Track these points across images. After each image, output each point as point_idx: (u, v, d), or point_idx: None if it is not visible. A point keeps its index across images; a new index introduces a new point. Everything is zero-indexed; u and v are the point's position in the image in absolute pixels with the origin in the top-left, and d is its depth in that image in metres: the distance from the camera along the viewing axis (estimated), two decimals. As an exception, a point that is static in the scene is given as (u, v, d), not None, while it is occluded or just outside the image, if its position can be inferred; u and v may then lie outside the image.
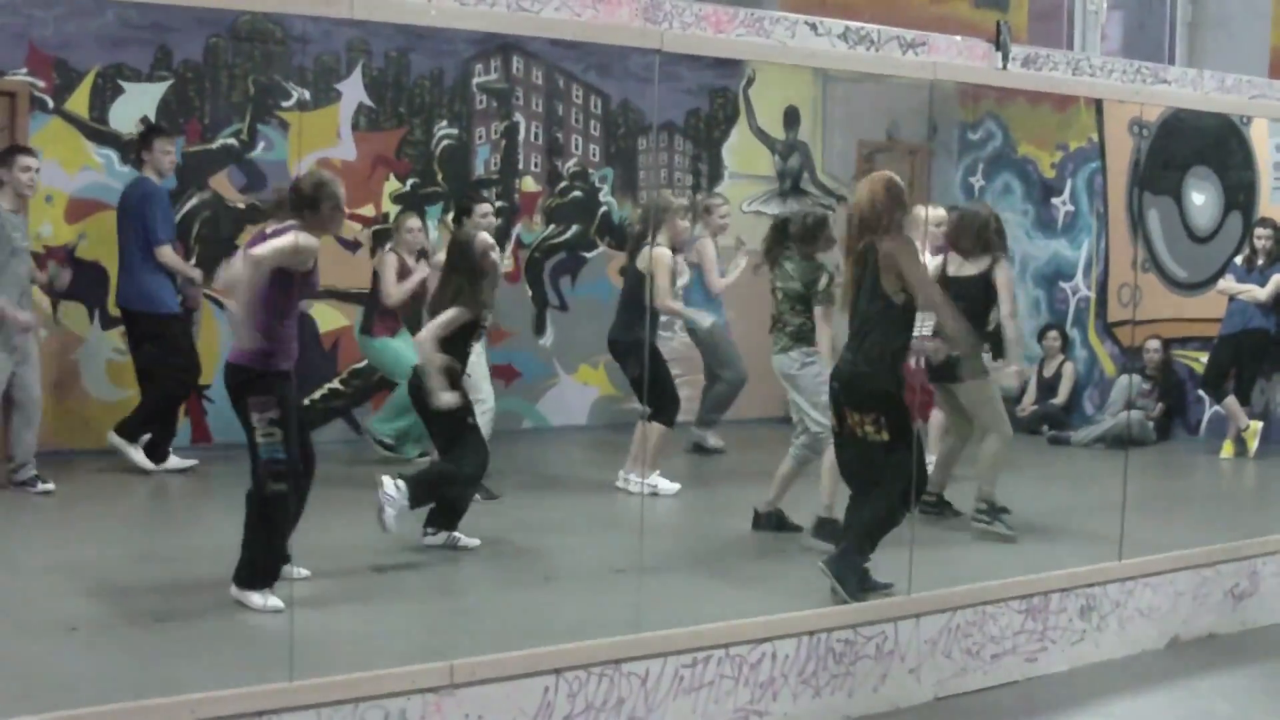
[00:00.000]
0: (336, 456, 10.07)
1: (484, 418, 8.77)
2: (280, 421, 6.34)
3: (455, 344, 7.64)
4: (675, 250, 9.47)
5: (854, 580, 6.60)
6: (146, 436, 9.29)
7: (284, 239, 6.35)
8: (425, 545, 7.63)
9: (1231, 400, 11.77)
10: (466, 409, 7.70)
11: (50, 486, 8.61)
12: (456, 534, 7.68)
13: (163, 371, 9.29)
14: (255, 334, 6.36)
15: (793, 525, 8.24)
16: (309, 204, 6.45)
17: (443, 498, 7.69)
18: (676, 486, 9.27)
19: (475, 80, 11.76)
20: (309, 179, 6.58)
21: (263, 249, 6.34)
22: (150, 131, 9.57)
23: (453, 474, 7.67)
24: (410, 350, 9.33)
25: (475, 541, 7.70)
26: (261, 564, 6.42)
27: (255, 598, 6.37)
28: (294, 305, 6.51)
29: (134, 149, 9.63)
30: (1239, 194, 12.63)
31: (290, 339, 6.48)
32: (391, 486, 7.33)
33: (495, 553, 7.69)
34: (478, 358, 8.84)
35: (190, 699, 4.75)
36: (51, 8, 9.87)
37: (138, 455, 9.20)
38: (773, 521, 8.29)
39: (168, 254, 9.28)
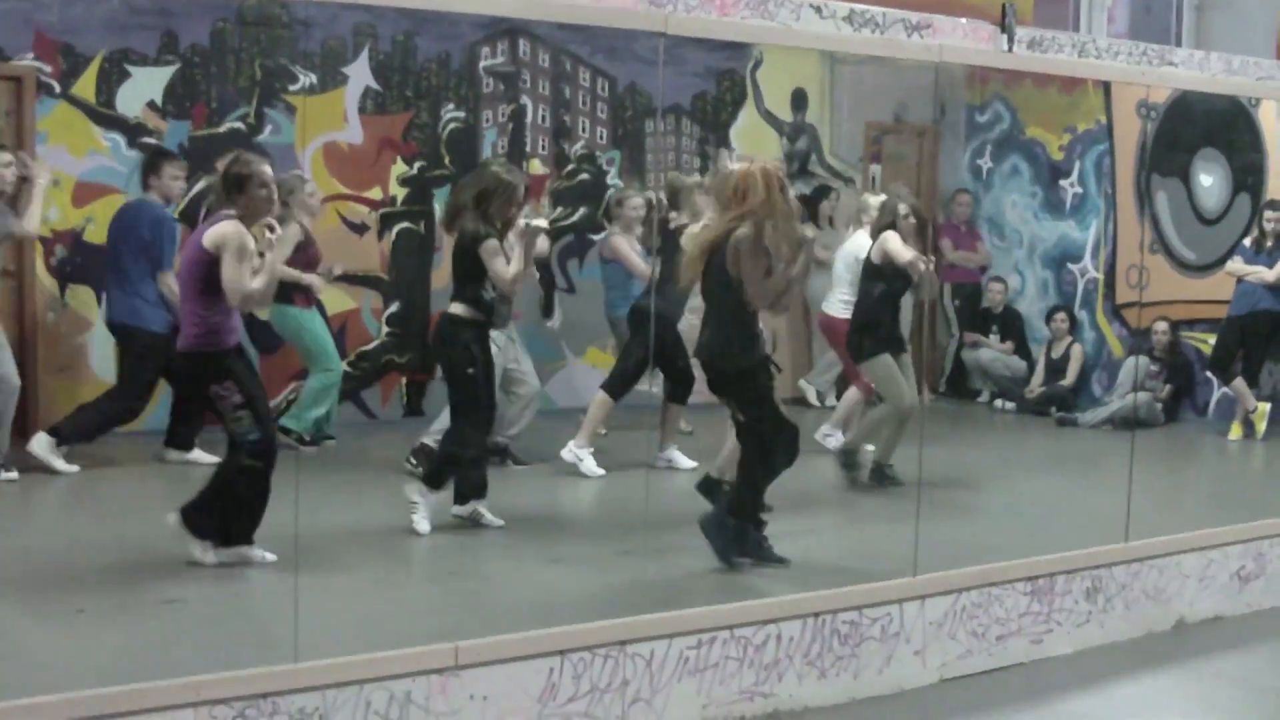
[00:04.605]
0: (345, 439, 10.12)
1: (526, 398, 9.37)
2: (245, 404, 6.64)
3: (478, 283, 7.74)
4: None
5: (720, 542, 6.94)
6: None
7: (219, 228, 6.60)
8: (449, 521, 7.72)
9: (1239, 382, 11.76)
10: (474, 366, 7.75)
11: (13, 475, 8.54)
12: (482, 508, 7.76)
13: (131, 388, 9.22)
14: (194, 317, 6.65)
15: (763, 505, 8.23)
16: (237, 188, 6.68)
17: (463, 472, 7.80)
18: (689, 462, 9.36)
19: (482, 63, 11.74)
20: (235, 165, 6.78)
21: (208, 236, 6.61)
22: (159, 155, 9.39)
23: (457, 445, 7.74)
24: (325, 331, 9.86)
25: (499, 521, 7.78)
26: (217, 518, 6.75)
27: (197, 550, 6.70)
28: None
29: (140, 173, 9.44)
30: (1247, 176, 12.59)
31: (229, 315, 6.72)
32: (415, 493, 7.57)
33: (501, 534, 7.71)
34: (513, 342, 9.22)
35: (195, 680, 4.76)
36: (57, -8, 9.90)
37: (52, 457, 8.81)
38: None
39: (171, 281, 8.87)
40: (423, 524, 7.53)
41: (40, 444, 8.83)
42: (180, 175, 9.24)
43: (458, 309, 7.71)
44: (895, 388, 9.07)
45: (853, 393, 10.14)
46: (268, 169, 6.77)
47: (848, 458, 9.32)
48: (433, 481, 7.64)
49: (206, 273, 6.59)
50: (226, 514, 6.77)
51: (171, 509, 6.79)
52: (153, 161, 9.29)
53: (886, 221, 9.16)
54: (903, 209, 9.16)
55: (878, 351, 9.09)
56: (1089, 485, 9.73)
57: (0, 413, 8.55)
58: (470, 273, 7.70)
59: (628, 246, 10.10)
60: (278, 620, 5.58)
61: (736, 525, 7.05)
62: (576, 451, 9.29)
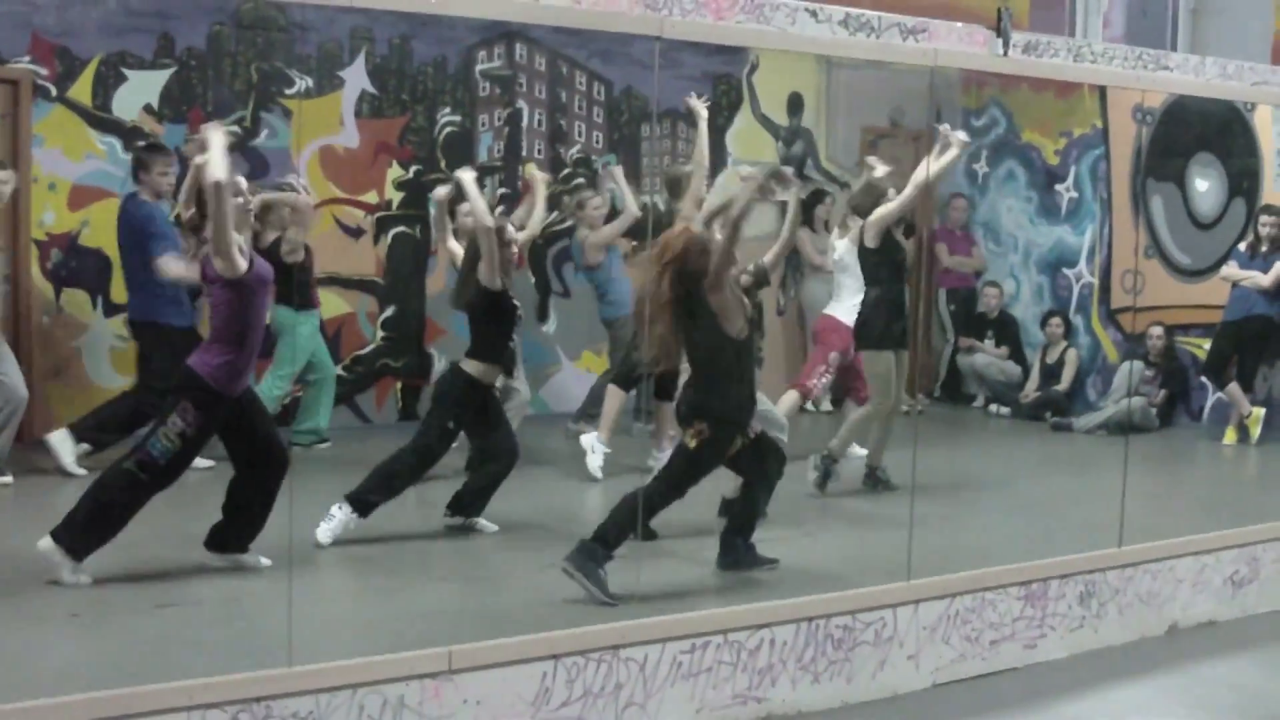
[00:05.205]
0: (340, 443, 10.13)
1: (514, 409, 9.25)
2: (186, 439, 6.51)
3: (497, 334, 7.71)
4: None
5: (594, 571, 6.49)
6: (84, 446, 8.97)
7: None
8: (440, 527, 7.73)
9: (1234, 387, 11.77)
10: (457, 426, 7.77)
11: (8, 479, 8.58)
12: (477, 518, 7.81)
13: (154, 384, 9.15)
14: (219, 351, 6.56)
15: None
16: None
17: (470, 486, 7.84)
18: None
19: (478, 67, 11.76)
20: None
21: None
22: (149, 150, 9.27)
23: (392, 473, 7.67)
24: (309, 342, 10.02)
25: (492, 526, 7.81)
26: (83, 531, 6.52)
27: (66, 572, 6.47)
28: (261, 317, 6.69)
29: (131, 169, 9.36)
30: (1242, 181, 12.61)
31: (247, 363, 6.62)
32: (335, 508, 7.41)
33: (495, 539, 7.72)
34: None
35: (189, 685, 4.77)
36: (54, -5, 9.90)
37: (68, 457, 8.88)
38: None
39: (169, 264, 8.74)
40: (325, 536, 7.33)
41: (58, 440, 8.83)
42: (169, 170, 9.09)
43: (474, 368, 7.65)
44: (885, 386, 9.07)
45: (791, 395, 10.03)
46: (240, 179, 6.68)
47: (827, 463, 9.14)
48: (361, 507, 7.43)
49: (231, 309, 6.52)
50: (102, 525, 6.59)
51: (166, 513, 6.79)
52: (143, 157, 9.19)
53: (873, 202, 9.10)
54: (891, 192, 9.16)
55: (883, 345, 9.07)
56: (1083, 490, 9.72)
57: (5, 422, 8.56)
58: (495, 325, 7.70)
59: (603, 233, 10.17)
60: (272, 624, 5.59)
61: (726, 541, 7.09)
62: (595, 443, 9.32)
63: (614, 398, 9.48)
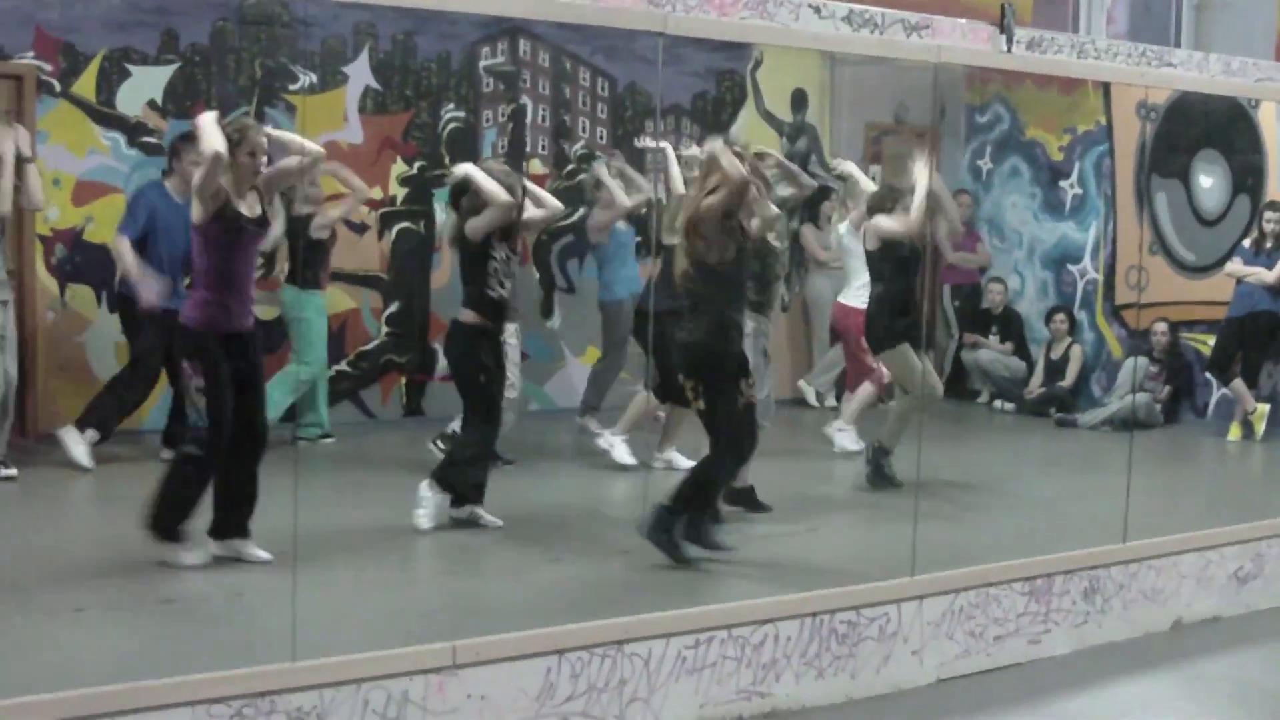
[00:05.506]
0: (344, 438, 10.13)
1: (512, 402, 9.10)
2: (204, 390, 6.64)
3: (478, 282, 7.73)
4: None
5: (666, 538, 6.94)
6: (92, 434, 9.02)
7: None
8: (436, 524, 7.70)
9: (1238, 383, 11.77)
10: (485, 374, 7.76)
11: (13, 472, 8.53)
12: (479, 510, 7.78)
13: (145, 359, 9.15)
14: (198, 295, 6.75)
15: (763, 506, 8.25)
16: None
17: (464, 476, 7.83)
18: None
19: (482, 63, 11.74)
20: (228, 128, 6.79)
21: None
22: (181, 139, 9.02)
23: (467, 449, 7.79)
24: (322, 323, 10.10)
25: (498, 521, 7.78)
26: (167, 516, 6.70)
27: (171, 551, 6.70)
28: (240, 264, 6.77)
29: (167, 157, 9.33)
30: (1247, 177, 12.60)
31: (235, 301, 6.72)
32: (425, 488, 7.60)
33: (500, 534, 7.72)
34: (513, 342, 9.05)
35: (193, 679, 4.77)
36: (58, -9, 9.90)
37: (78, 449, 8.87)
38: (743, 499, 8.27)
39: (120, 244, 8.98)
40: (424, 521, 7.55)
41: (66, 433, 8.83)
42: (198, 161, 9.04)
43: (466, 315, 7.73)
44: (914, 377, 9.05)
45: (866, 388, 10.09)
46: (263, 139, 6.75)
47: (880, 456, 9.15)
48: (444, 484, 7.67)
49: (200, 250, 6.72)
50: (174, 506, 6.74)
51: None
52: (177, 145, 9.07)
53: (892, 206, 9.08)
54: (907, 198, 9.13)
55: (896, 341, 9.06)
56: (1087, 486, 9.72)
57: (1, 410, 8.53)
58: (471, 272, 7.72)
59: (600, 216, 10.21)
60: (276, 619, 5.58)
61: (692, 516, 7.14)
62: (611, 438, 9.33)
63: (641, 402, 9.45)
